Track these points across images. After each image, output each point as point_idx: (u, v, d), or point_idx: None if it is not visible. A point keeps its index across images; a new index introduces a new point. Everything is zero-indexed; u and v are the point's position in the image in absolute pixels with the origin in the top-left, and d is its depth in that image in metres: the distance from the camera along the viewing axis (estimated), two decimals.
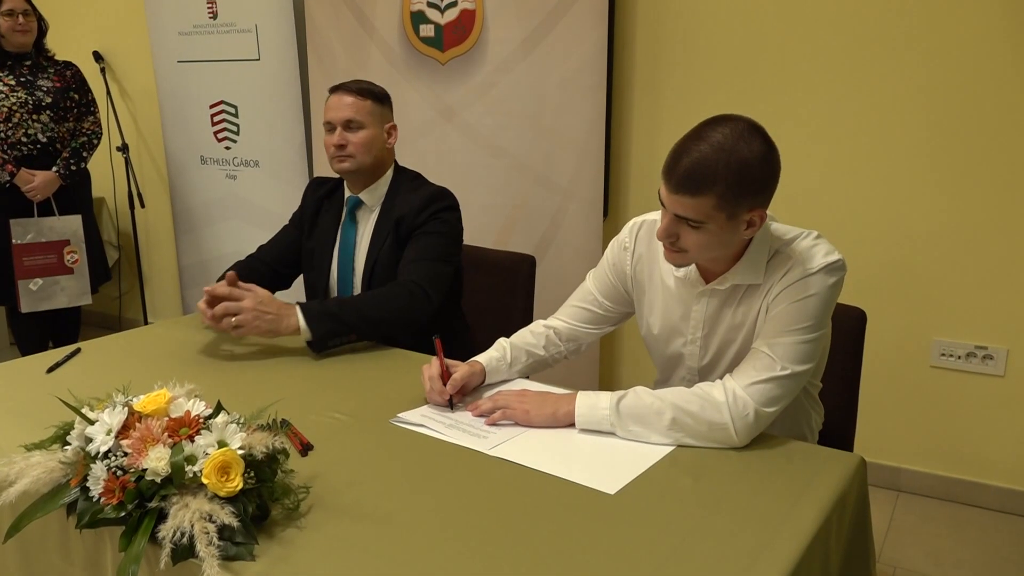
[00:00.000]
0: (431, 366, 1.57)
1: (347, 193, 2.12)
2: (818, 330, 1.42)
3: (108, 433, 1.10)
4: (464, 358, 1.69)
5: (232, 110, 3.62)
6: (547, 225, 2.97)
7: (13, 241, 3.21)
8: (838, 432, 1.78)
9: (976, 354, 2.57)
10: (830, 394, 1.74)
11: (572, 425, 1.44)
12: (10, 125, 3.15)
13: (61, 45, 3.47)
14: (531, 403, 1.47)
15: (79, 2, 4.21)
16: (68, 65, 3.37)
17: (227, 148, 3.67)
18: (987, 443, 2.61)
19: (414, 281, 1.93)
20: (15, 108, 3.15)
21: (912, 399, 2.68)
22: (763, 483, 1.25)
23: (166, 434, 1.08)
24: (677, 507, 1.18)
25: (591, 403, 1.43)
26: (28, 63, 3.23)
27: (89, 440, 1.11)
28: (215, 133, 3.68)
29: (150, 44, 3.79)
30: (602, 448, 1.38)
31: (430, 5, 3.02)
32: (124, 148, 3.79)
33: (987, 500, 2.63)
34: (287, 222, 2.27)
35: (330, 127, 2.03)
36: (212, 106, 3.66)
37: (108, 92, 3.97)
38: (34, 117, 3.20)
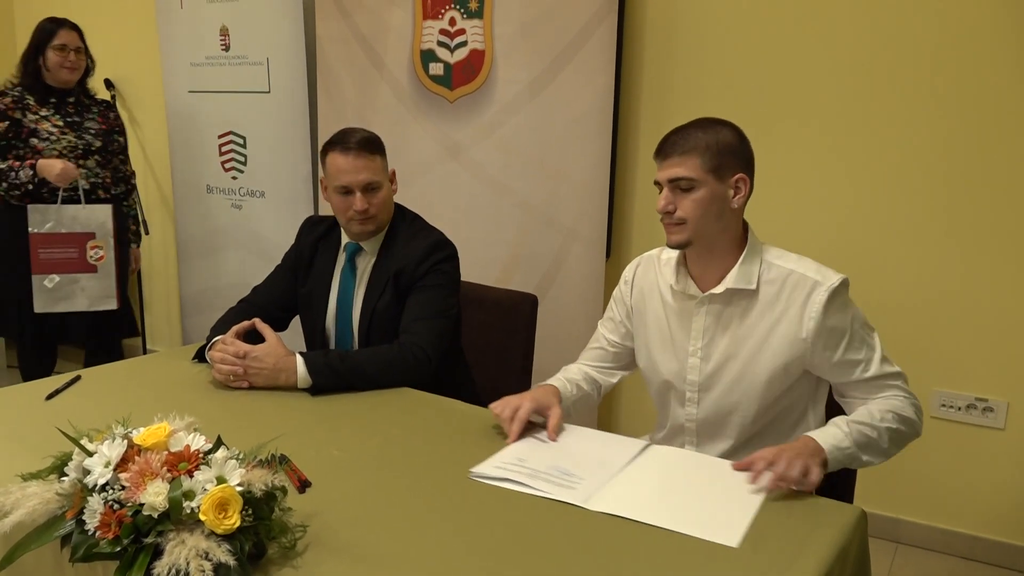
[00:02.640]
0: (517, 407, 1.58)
1: (344, 238, 2.09)
2: (874, 334, 1.60)
3: (107, 465, 1.09)
4: (464, 394, 1.70)
5: (240, 141, 3.65)
6: (549, 264, 2.98)
7: (29, 229, 2.87)
8: (838, 480, 1.76)
9: (976, 406, 2.56)
10: None
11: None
12: None
13: None
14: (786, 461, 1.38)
15: (93, 29, 4.24)
16: (109, 106, 3.24)
17: (234, 178, 3.70)
18: (987, 496, 2.59)
19: (417, 345, 1.91)
20: (65, 152, 2.95)
21: (912, 449, 2.64)
22: (763, 533, 1.24)
23: (165, 468, 1.08)
24: (678, 557, 1.17)
25: (834, 445, 1.44)
26: (72, 100, 3.06)
27: (87, 472, 1.10)
28: (222, 163, 3.71)
29: (162, 73, 3.84)
30: (696, 491, 1.38)
31: (440, 44, 3.06)
32: (131, 175, 3.82)
33: (987, 554, 2.60)
34: (280, 261, 2.23)
35: (345, 191, 1.95)
36: (221, 136, 3.69)
37: None
38: (81, 162, 3.00)
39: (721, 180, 1.53)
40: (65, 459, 1.16)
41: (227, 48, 3.60)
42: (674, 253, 1.66)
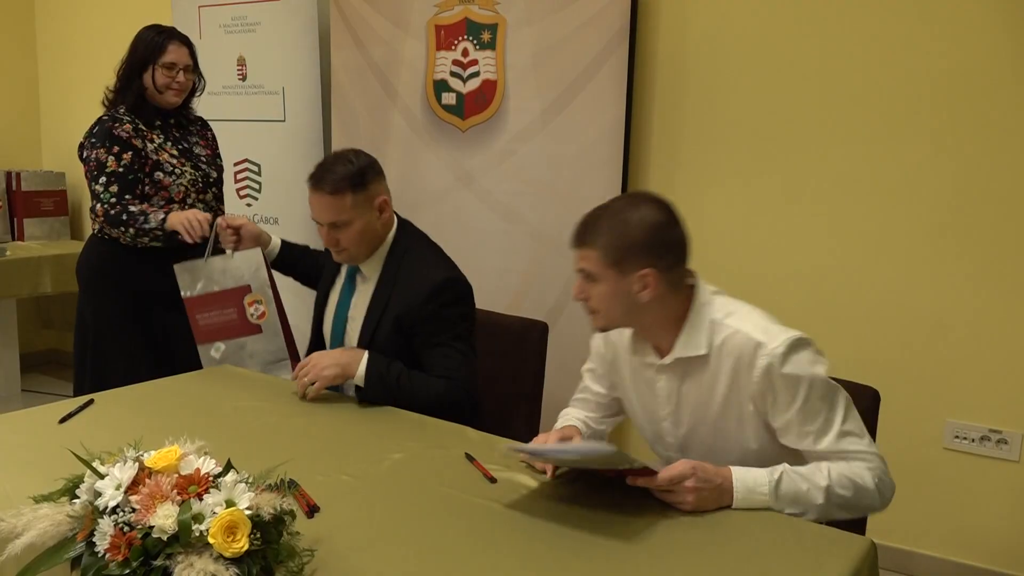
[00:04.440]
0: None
1: None
2: (837, 407, 1.45)
3: (117, 488, 1.10)
4: (476, 422, 1.78)
5: (256, 168, 3.70)
6: (560, 291, 2.98)
7: (182, 294, 2.30)
8: None
9: (990, 438, 2.54)
10: None
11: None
12: (185, 207, 2.52)
13: (93, 97, 3.56)
14: (700, 496, 1.39)
15: (112, 58, 4.32)
16: (205, 124, 2.75)
17: (248, 205, 3.74)
18: (1002, 529, 2.56)
19: (467, 390, 1.92)
20: (189, 188, 2.54)
21: (925, 481, 2.64)
22: (771, 564, 1.23)
23: (175, 491, 1.09)
24: None
25: (748, 487, 1.40)
26: (173, 121, 2.63)
27: (98, 494, 1.11)
28: (238, 190, 3.75)
29: None
30: None
31: (453, 75, 3.10)
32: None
33: None
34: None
35: (317, 223, 1.97)
36: (236, 164, 3.73)
37: None
38: (201, 196, 2.59)
39: (623, 274, 1.45)
40: (76, 481, 1.17)
41: (244, 78, 3.66)
42: None
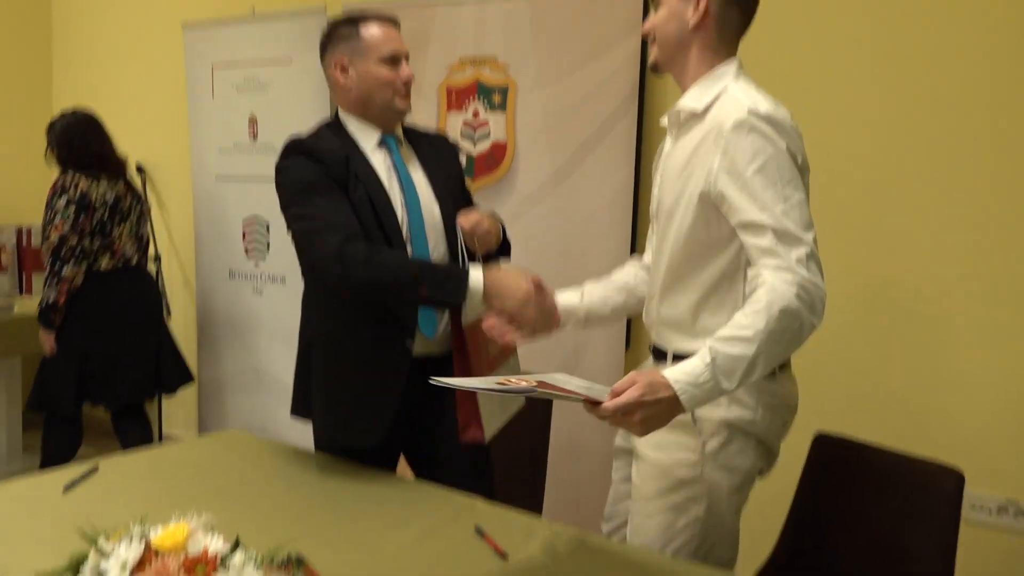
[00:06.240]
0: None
1: (369, 136, 1.92)
2: (796, 188, 1.43)
3: (123, 568, 1.07)
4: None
5: (264, 226, 3.71)
6: (568, 355, 2.96)
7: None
8: None
9: (1008, 509, 2.48)
10: (917, 557, 1.68)
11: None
12: None
13: None
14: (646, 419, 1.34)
15: (127, 114, 4.38)
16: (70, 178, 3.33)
17: (256, 264, 3.74)
18: None
19: None
20: None
21: None
22: None
23: (182, 572, 1.06)
24: None
25: (689, 381, 1.33)
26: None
27: (103, 574, 1.08)
28: (245, 248, 3.76)
29: (191, 159, 3.94)
30: None
31: (463, 136, 3.13)
32: (156, 258, 3.87)
33: None
34: (320, 193, 1.88)
35: (394, 59, 1.85)
36: (245, 220, 3.75)
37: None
38: None
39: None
40: (81, 559, 1.14)
41: (255, 136, 3.70)
42: None
